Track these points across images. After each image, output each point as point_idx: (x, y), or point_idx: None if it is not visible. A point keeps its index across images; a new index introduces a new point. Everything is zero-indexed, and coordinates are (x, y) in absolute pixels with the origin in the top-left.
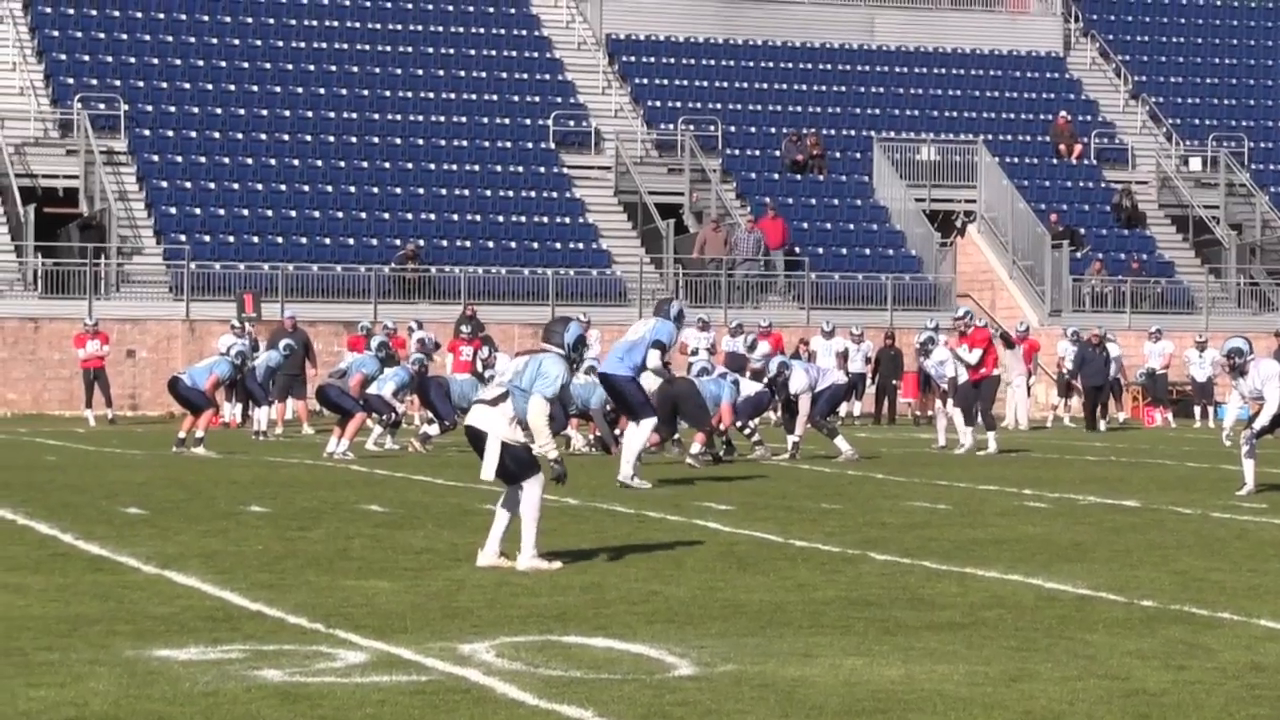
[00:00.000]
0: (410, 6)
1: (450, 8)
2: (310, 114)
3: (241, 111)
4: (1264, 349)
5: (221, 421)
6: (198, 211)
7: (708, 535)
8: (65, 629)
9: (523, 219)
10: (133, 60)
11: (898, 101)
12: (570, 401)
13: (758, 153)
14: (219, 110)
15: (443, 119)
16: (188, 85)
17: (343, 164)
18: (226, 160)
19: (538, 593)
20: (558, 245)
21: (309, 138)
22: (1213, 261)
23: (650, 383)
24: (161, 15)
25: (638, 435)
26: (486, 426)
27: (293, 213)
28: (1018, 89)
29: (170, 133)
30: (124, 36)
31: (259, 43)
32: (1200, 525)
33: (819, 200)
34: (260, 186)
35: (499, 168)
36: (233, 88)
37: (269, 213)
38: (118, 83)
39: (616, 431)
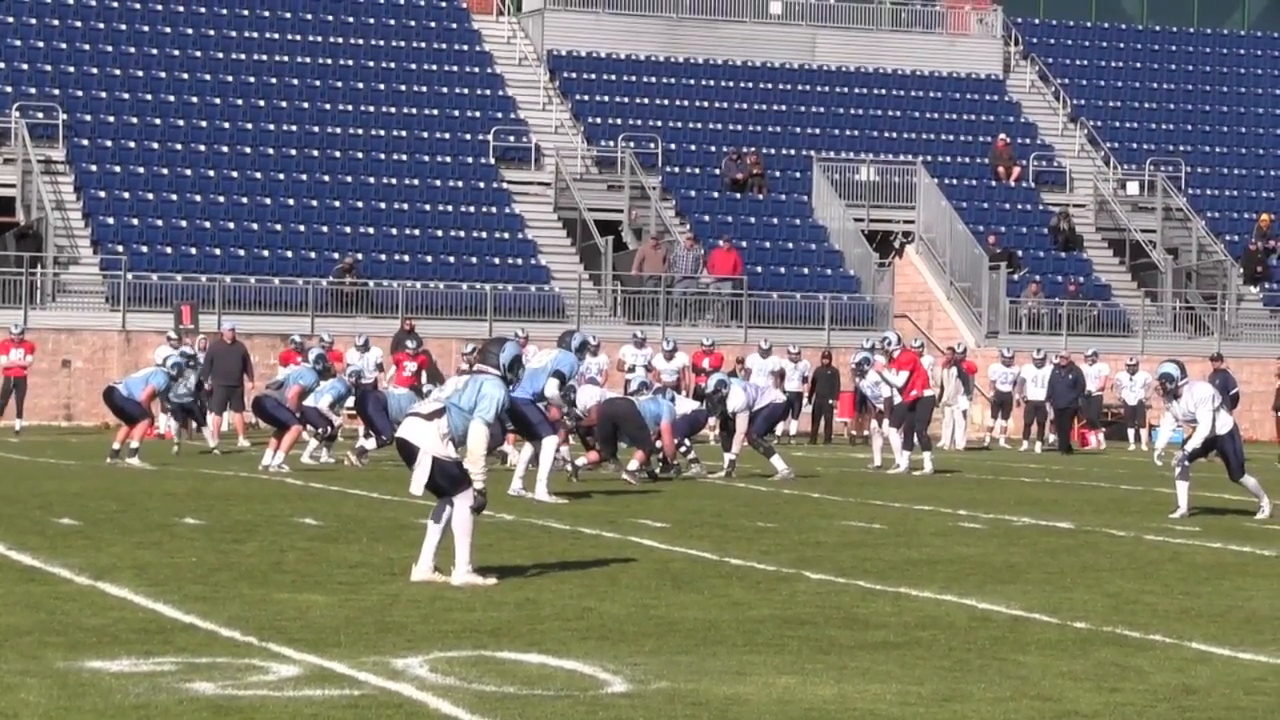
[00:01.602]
0: (351, 21)
1: (391, 23)
2: (249, 126)
3: (180, 122)
4: (1198, 373)
5: (156, 433)
6: (135, 222)
7: (642, 552)
8: None
9: (462, 234)
10: (71, 69)
11: (838, 121)
12: (506, 422)
13: (698, 171)
14: (157, 120)
15: (383, 133)
16: (126, 95)
17: (281, 176)
18: (165, 171)
19: (472, 608)
20: (496, 260)
21: (248, 150)
22: (1149, 285)
23: (588, 398)
24: (101, 25)
25: (546, 453)
26: (418, 440)
27: (231, 224)
28: (957, 111)
29: (108, 142)
30: (63, 45)
31: (198, 54)
32: (1134, 548)
33: (758, 219)
34: (198, 198)
35: (438, 182)
36: (171, 98)
37: (207, 224)
38: (56, 92)
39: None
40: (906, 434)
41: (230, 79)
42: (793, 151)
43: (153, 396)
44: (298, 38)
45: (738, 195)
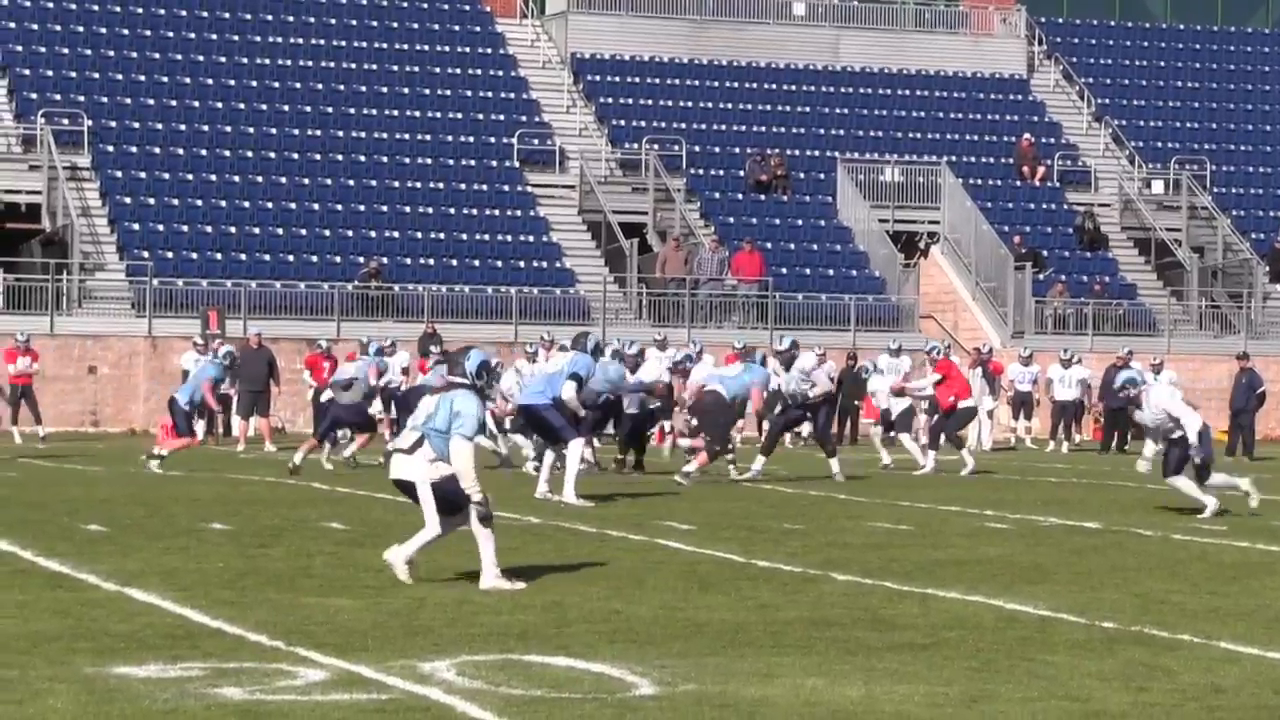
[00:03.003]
0: (375, 25)
1: (415, 26)
2: (274, 131)
3: (205, 128)
4: (1225, 372)
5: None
6: (161, 228)
7: (669, 555)
8: (25, 646)
9: (486, 237)
10: (96, 76)
11: (862, 122)
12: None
13: (722, 173)
14: (183, 126)
15: (407, 136)
16: (151, 101)
17: (307, 181)
18: (190, 177)
19: (499, 611)
20: (521, 264)
21: (273, 154)
22: (1174, 284)
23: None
24: (126, 31)
25: (572, 457)
26: (411, 476)
27: (256, 230)
28: (981, 111)
29: (134, 149)
30: (88, 52)
31: (223, 59)
32: (1161, 547)
33: (783, 220)
34: (223, 203)
35: (463, 186)
36: (196, 104)
37: (232, 229)
38: (81, 98)
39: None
40: (933, 436)
41: (254, 84)
42: (817, 153)
43: (214, 387)
44: (322, 42)
45: (762, 197)
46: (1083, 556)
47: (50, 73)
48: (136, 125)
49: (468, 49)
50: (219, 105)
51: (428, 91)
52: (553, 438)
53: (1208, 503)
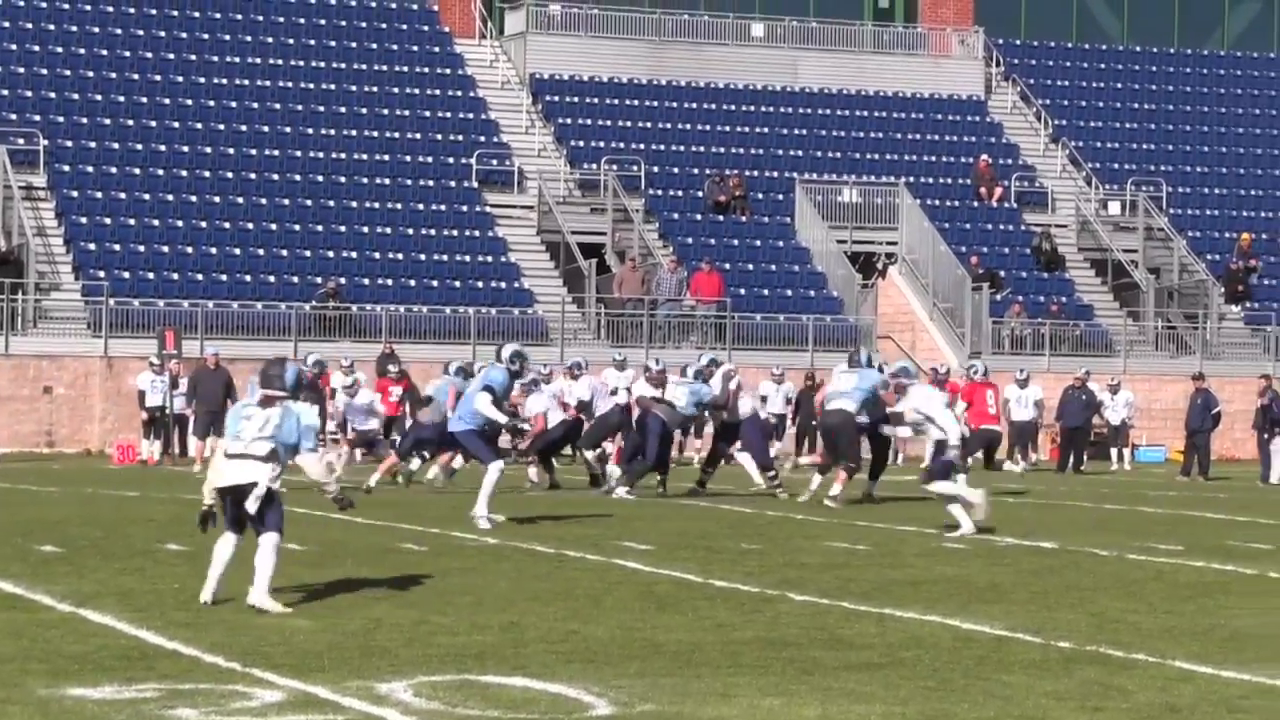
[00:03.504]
0: (334, 44)
1: (374, 46)
2: (231, 150)
3: (162, 148)
4: (1181, 392)
5: (139, 459)
6: (117, 248)
7: (627, 575)
8: None
9: (445, 257)
10: (52, 95)
11: (820, 143)
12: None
13: (680, 193)
14: (139, 146)
15: (365, 156)
16: (107, 121)
17: (264, 201)
18: (146, 196)
19: (456, 632)
20: (479, 284)
21: (230, 174)
22: (1131, 305)
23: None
24: (82, 51)
25: (490, 478)
26: (256, 477)
27: (213, 250)
28: (939, 132)
29: (89, 168)
30: (44, 71)
31: (180, 79)
32: (1117, 567)
33: (741, 241)
34: (180, 223)
35: (421, 206)
36: (153, 124)
37: (189, 249)
38: (37, 117)
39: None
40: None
41: (212, 103)
42: (775, 173)
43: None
44: (280, 62)
45: (720, 217)
46: (1039, 576)
47: (5, 91)
48: (92, 144)
49: (426, 69)
50: (175, 125)
51: (386, 111)
52: (478, 459)
53: (963, 523)
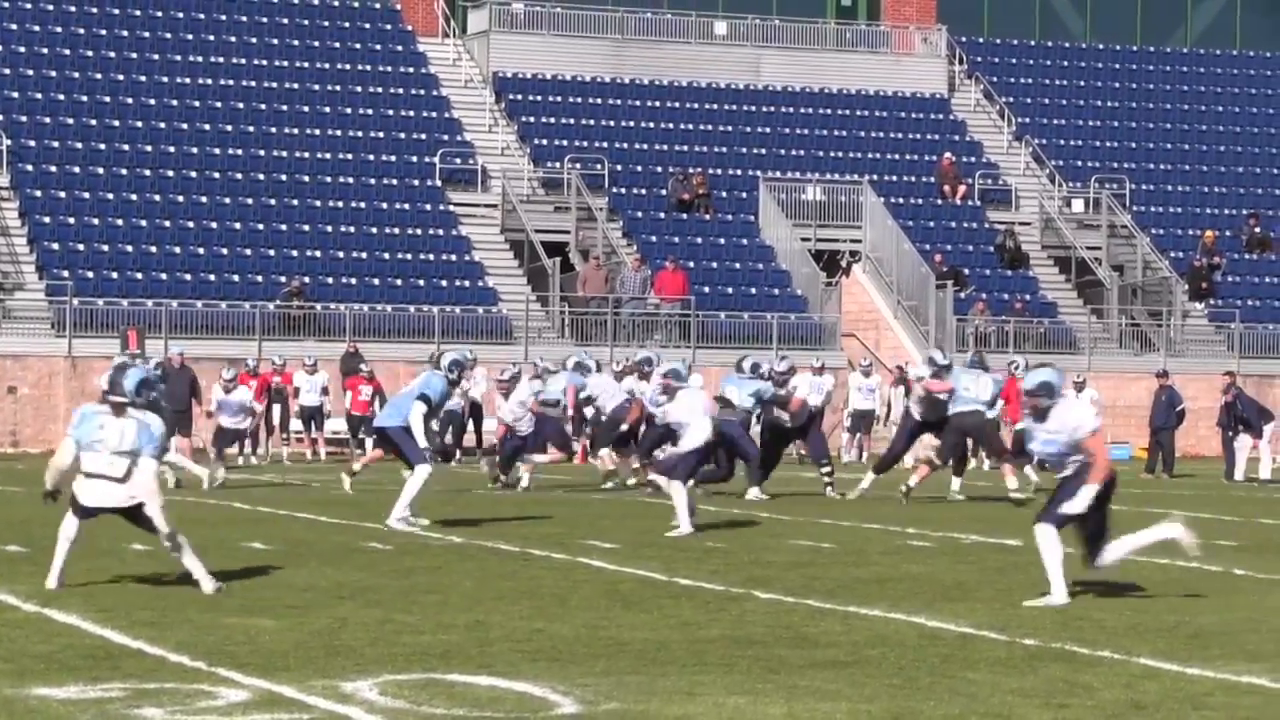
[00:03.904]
0: (296, 43)
1: (337, 45)
2: (195, 150)
3: (125, 147)
4: (1145, 389)
5: None
6: (81, 247)
7: (592, 574)
8: None
9: (409, 256)
10: (15, 95)
11: (784, 141)
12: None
13: (644, 191)
14: (102, 145)
15: (329, 155)
16: (70, 120)
17: (228, 200)
18: (110, 196)
19: (421, 631)
20: (444, 283)
21: (193, 173)
22: (1095, 302)
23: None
24: (44, 50)
25: (415, 481)
26: (140, 498)
27: (177, 249)
28: (903, 130)
29: (53, 168)
30: (6, 71)
31: (143, 78)
32: (1082, 565)
33: (705, 239)
34: (144, 222)
35: (385, 204)
36: (116, 123)
37: (153, 249)
38: (0, 117)
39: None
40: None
41: (175, 102)
42: (739, 171)
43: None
44: (243, 61)
45: (684, 216)
46: (1004, 574)
47: None
48: (56, 144)
49: (389, 68)
50: (139, 124)
51: (349, 110)
52: (406, 460)
53: (683, 524)
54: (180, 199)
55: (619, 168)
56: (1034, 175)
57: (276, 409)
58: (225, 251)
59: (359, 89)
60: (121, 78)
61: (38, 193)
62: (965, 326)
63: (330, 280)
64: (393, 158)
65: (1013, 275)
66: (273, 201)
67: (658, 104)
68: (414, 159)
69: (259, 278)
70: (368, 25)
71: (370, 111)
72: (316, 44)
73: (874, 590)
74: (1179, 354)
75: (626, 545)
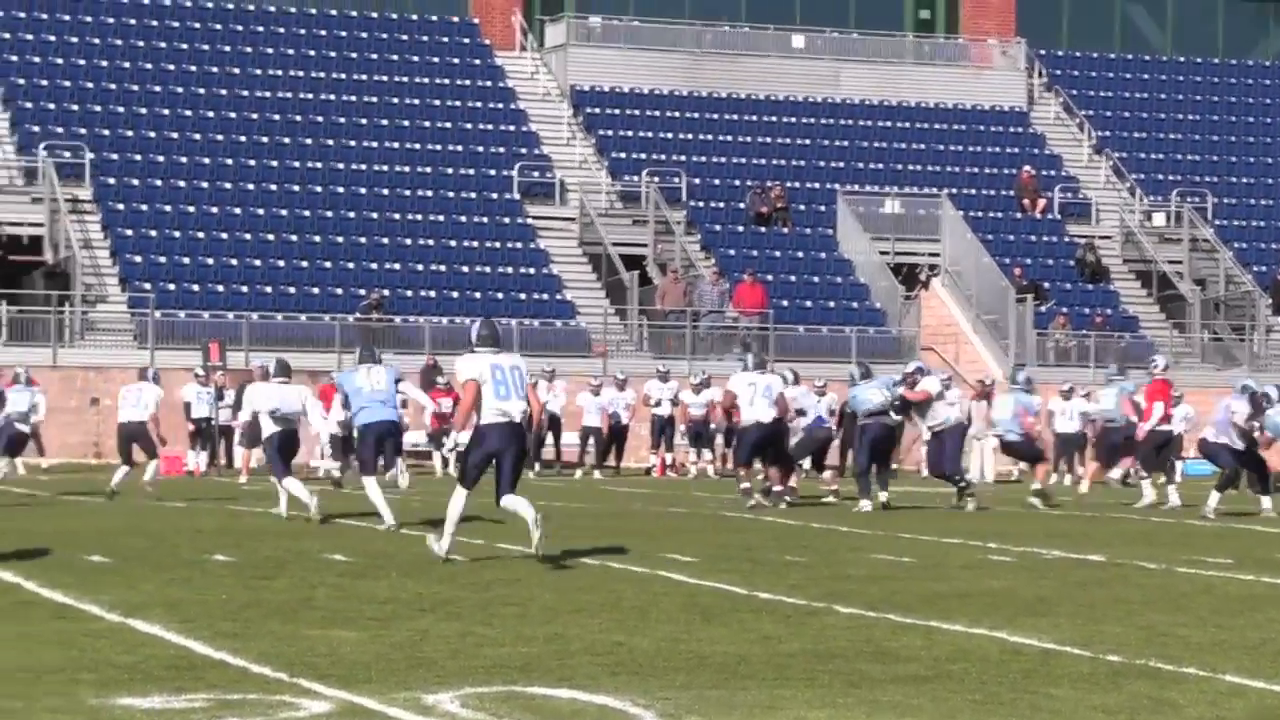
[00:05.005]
0: (375, 57)
1: (415, 59)
2: (275, 163)
3: (205, 160)
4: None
5: (186, 470)
6: (162, 260)
7: (671, 587)
8: (28, 677)
9: (487, 269)
10: (98, 109)
11: (862, 154)
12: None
13: (722, 205)
14: (183, 159)
15: (408, 169)
16: (152, 134)
17: (307, 213)
18: (191, 209)
19: (502, 643)
20: (522, 296)
21: (274, 187)
22: (1176, 316)
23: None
24: (127, 64)
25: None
26: None
27: (257, 261)
28: (981, 143)
29: (135, 181)
30: (89, 85)
31: (224, 92)
32: (1165, 580)
33: (783, 253)
34: (225, 235)
35: (463, 218)
36: (197, 136)
37: (233, 261)
38: (83, 131)
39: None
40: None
41: (255, 116)
42: (817, 185)
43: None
44: (322, 75)
45: (762, 229)
46: (1086, 589)
47: (52, 105)
48: (138, 158)
49: (468, 82)
50: (219, 137)
51: (428, 124)
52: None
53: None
54: (260, 212)
55: (697, 181)
56: (1114, 189)
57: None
58: (305, 264)
59: (438, 103)
60: (202, 91)
61: (120, 206)
62: (1045, 341)
63: (409, 293)
64: (471, 171)
65: (1093, 289)
66: (352, 214)
67: (735, 117)
68: (492, 172)
69: (339, 290)
70: (446, 40)
71: (449, 125)
72: (395, 58)
73: (955, 605)
74: (1262, 368)
75: (705, 558)
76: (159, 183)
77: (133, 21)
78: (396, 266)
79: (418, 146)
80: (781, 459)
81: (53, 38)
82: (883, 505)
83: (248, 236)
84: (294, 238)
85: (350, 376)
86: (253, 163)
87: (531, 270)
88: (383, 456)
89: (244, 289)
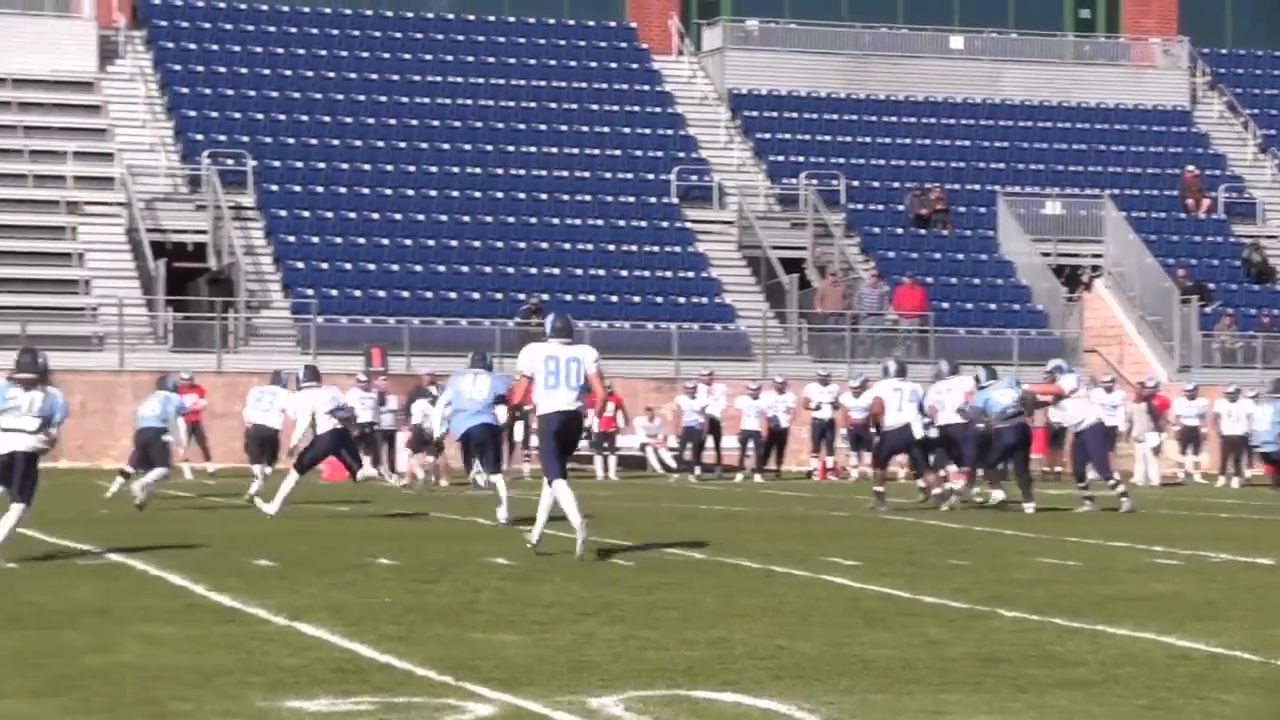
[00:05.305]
0: (534, 62)
1: (573, 63)
2: (435, 169)
3: (367, 167)
4: None
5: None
6: (324, 266)
7: (833, 590)
8: (198, 679)
9: (646, 273)
10: (260, 117)
11: (1023, 155)
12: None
13: (881, 207)
14: (345, 166)
15: (566, 173)
16: (314, 141)
17: (467, 219)
18: (353, 215)
19: (665, 647)
20: (681, 300)
21: (434, 192)
22: None
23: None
24: (289, 72)
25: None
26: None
27: (418, 267)
28: (1144, 143)
29: (297, 188)
30: (252, 93)
31: (384, 99)
32: None
33: (944, 255)
34: (386, 241)
35: (622, 222)
36: (358, 143)
37: (394, 267)
38: (246, 139)
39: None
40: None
41: (415, 123)
42: (977, 186)
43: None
44: (481, 80)
45: (922, 231)
46: (1256, 593)
47: (215, 114)
48: (300, 165)
49: (625, 86)
50: (380, 144)
51: (586, 128)
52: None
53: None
54: (421, 218)
55: (855, 183)
56: None
57: (519, 425)
58: (465, 269)
59: (595, 107)
60: (363, 99)
61: (282, 213)
62: (1210, 342)
63: (568, 297)
64: (629, 175)
65: (1259, 290)
66: (511, 220)
67: (894, 119)
68: (650, 176)
69: (498, 295)
70: (603, 44)
71: (606, 129)
72: (553, 63)
73: (1121, 608)
74: None
75: (868, 562)
76: (321, 189)
77: (293, 30)
78: (555, 271)
79: (576, 151)
80: (961, 461)
81: (215, 46)
82: (999, 504)
83: (408, 242)
84: (454, 243)
85: (457, 380)
86: (412, 169)
87: (690, 274)
88: (478, 460)
89: (405, 294)
